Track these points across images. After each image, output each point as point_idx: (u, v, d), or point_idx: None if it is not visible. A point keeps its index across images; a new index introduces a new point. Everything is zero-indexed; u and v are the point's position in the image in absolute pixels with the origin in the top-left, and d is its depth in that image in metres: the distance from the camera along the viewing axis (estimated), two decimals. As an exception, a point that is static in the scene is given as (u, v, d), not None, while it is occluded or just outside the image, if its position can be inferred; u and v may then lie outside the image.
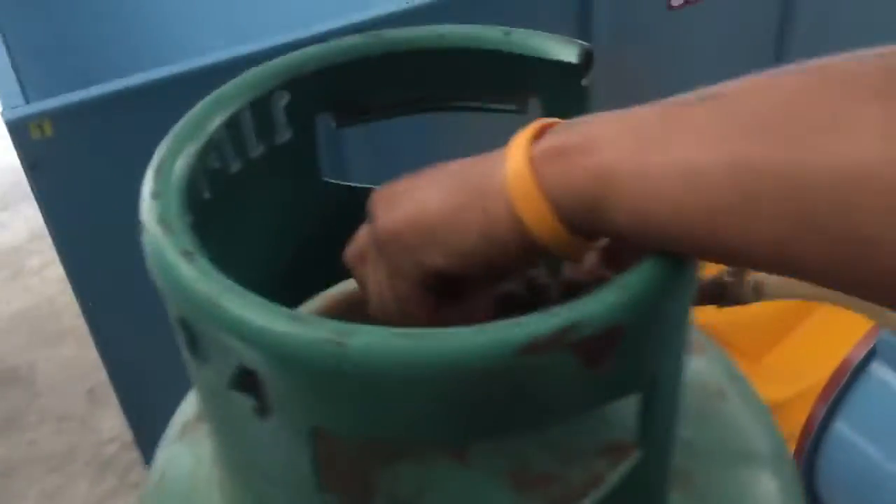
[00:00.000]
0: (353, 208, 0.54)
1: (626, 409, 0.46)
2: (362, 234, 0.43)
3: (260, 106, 0.48)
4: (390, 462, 0.45)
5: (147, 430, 1.29)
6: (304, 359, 0.32)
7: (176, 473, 0.52)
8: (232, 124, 0.47)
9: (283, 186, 0.52)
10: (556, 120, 0.37)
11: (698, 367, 0.52)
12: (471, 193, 0.36)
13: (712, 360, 0.53)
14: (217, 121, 0.46)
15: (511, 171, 0.35)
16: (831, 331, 1.30)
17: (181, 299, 0.36)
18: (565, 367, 0.32)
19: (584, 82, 0.47)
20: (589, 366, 0.32)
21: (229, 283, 0.35)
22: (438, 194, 0.37)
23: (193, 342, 0.38)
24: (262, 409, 0.36)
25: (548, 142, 0.35)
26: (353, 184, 0.55)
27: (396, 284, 0.39)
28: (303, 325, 0.32)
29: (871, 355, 1.23)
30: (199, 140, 0.44)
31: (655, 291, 0.33)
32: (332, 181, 0.54)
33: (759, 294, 0.47)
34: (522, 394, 0.33)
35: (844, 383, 1.26)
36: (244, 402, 0.36)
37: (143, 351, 1.20)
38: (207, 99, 0.46)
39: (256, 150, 0.50)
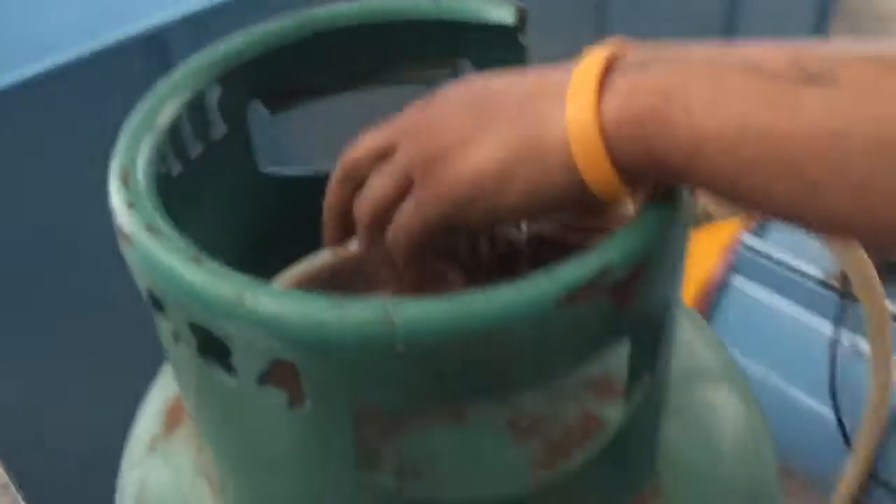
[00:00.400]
0: (296, 198, 0.54)
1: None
2: (389, 135, 0.41)
3: (195, 104, 0.47)
4: (393, 436, 0.46)
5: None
6: (352, 343, 0.32)
7: (157, 489, 0.50)
8: (173, 127, 0.45)
9: (224, 183, 0.51)
10: (618, 44, 0.35)
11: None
12: (526, 147, 0.35)
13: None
14: (160, 124, 0.44)
15: (577, 133, 0.34)
16: (693, 252, 1.38)
17: (197, 305, 0.35)
18: (599, 309, 0.34)
19: (521, 41, 0.48)
20: (618, 305, 0.34)
21: (250, 279, 0.34)
22: (495, 153, 0.36)
23: (206, 346, 0.37)
24: (296, 400, 0.36)
25: (625, 101, 0.33)
26: (291, 173, 0.54)
27: (415, 218, 0.39)
28: (346, 310, 0.32)
29: (731, 270, 1.33)
30: (147, 145, 0.43)
31: (669, 227, 0.35)
32: (271, 172, 0.54)
33: (709, 217, 0.50)
34: (559, 340, 0.34)
35: (710, 300, 1.35)
36: (274, 396, 0.36)
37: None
38: (144, 105, 0.45)
39: (195, 150, 0.48)
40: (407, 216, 0.40)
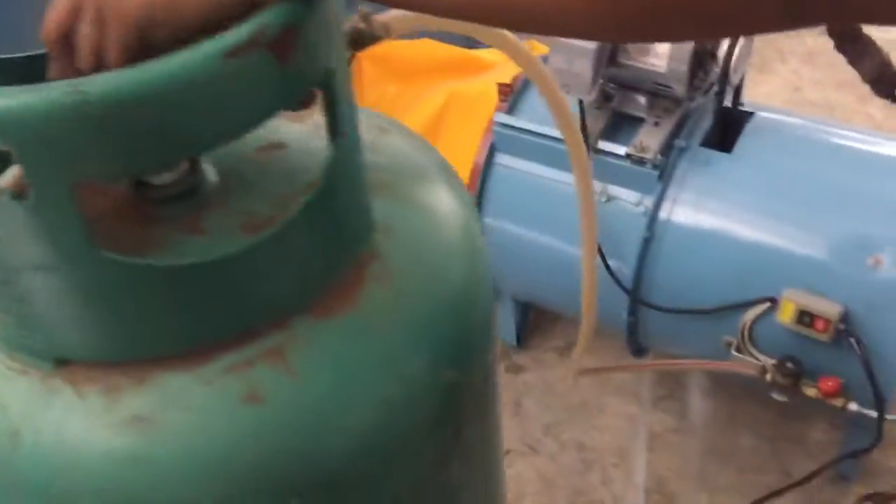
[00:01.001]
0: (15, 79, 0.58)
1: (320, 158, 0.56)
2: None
3: None
4: (138, 254, 0.51)
5: None
6: (55, 115, 0.38)
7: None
8: None
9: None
10: None
11: (360, 115, 0.62)
12: None
13: (367, 112, 0.64)
14: None
15: None
16: (459, 143, 1.48)
17: None
18: (265, 63, 0.41)
19: None
20: (280, 60, 0.41)
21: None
22: None
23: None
24: (19, 194, 0.41)
25: None
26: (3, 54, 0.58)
27: (115, 50, 0.44)
28: (44, 91, 0.38)
29: (493, 150, 1.44)
30: None
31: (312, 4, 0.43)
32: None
33: (388, 31, 0.57)
34: (237, 93, 0.41)
35: (480, 183, 1.45)
36: (-1, 195, 0.41)
37: None
38: None
39: None
40: (111, 52, 0.45)
